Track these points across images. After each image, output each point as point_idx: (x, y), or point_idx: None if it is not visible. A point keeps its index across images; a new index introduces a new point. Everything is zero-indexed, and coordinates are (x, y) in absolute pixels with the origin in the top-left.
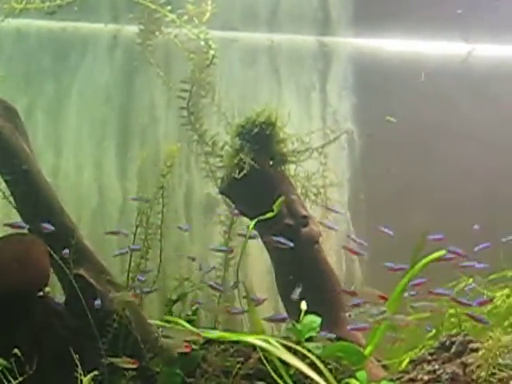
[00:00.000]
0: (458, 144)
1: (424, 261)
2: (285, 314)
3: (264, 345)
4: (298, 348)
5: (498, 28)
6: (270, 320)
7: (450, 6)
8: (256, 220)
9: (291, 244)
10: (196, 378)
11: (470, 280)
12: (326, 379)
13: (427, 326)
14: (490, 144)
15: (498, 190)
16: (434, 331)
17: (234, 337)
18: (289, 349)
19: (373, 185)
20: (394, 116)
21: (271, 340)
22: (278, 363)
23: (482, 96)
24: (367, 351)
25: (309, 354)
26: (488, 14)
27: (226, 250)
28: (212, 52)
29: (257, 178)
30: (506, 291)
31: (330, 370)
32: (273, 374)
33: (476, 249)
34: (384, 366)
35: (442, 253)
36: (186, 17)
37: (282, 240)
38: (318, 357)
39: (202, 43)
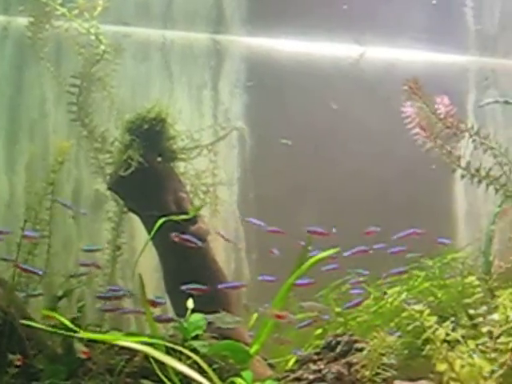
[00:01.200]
0: (348, 145)
1: (311, 260)
2: (170, 315)
3: (142, 347)
4: (180, 348)
5: (389, 31)
6: (156, 320)
7: (343, 9)
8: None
9: (199, 243)
10: (79, 377)
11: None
12: (209, 379)
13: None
14: (380, 146)
15: (389, 191)
16: (320, 331)
17: (114, 339)
18: (173, 349)
19: (263, 184)
20: (286, 115)
21: (156, 340)
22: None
23: (373, 98)
24: (253, 350)
25: (191, 354)
26: (380, 17)
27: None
28: (102, 47)
29: (145, 174)
30: (396, 289)
31: (216, 369)
32: (158, 372)
33: (374, 247)
34: (270, 365)
35: (331, 251)
36: (77, 10)
37: (191, 238)
38: (204, 355)
39: (93, 38)
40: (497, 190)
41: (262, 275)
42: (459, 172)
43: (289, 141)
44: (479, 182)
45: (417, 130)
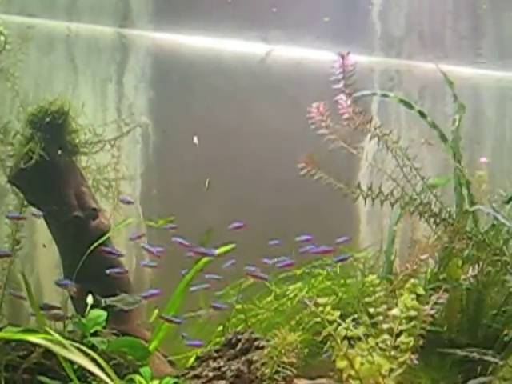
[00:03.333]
0: (253, 143)
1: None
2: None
3: (43, 342)
4: (77, 344)
5: (296, 30)
6: (49, 317)
7: (251, 6)
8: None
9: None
10: None
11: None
12: (107, 374)
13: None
14: (284, 145)
15: (292, 191)
16: (221, 327)
17: (14, 336)
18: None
19: (166, 180)
20: (192, 112)
21: (55, 335)
22: (61, 358)
23: (280, 96)
24: (152, 346)
25: (88, 350)
26: (287, 16)
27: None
28: (2, 37)
29: (46, 168)
30: (298, 285)
31: (114, 366)
32: (55, 368)
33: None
34: (171, 362)
35: (227, 248)
36: None
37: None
38: (102, 352)
39: None
40: (392, 205)
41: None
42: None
43: (196, 140)
44: (373, 200)
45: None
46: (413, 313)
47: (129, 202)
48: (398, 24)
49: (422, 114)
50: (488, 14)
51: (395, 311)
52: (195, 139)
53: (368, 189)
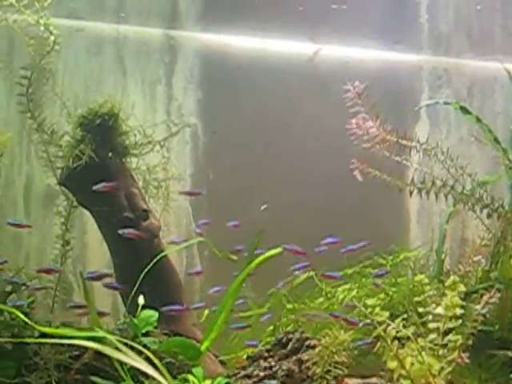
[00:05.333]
0: (301, 143)
1: (260, 258)
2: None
3: (93, 344)
4: (131, 343)
5: (344, 29)
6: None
7: (298, 5)
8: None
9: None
10: (27, 373)
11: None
12: (161, 373)
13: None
14: (333, 144)
15: (341, 190)
16: (272, 327)
17: (67, 333)
18: (125, 344)
19: (216, 181)
20: (240, 112)
21: (107, 335)
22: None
23: (327, 96)
24: (203, 347)
25: (143, 350)
26: (335, 15)
27: None
28: (52, 38)
29: (97, 169)
30: (347, 286)
31: (166, 365)
32: (107, 369)
33: (317, 249)
34: (221, 362)
35: (277, 250)
36: (26, 1)
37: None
38: (154, 352)
39: (42, 29)
40: (446, 197)
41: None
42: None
43: (265, 205)
44: (427, 192)
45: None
46: (458, 311)
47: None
48: (446, 21)
49: (479, 120)
50: None
51: (439, 309)
52: (263, 207)
53: (421, 182)
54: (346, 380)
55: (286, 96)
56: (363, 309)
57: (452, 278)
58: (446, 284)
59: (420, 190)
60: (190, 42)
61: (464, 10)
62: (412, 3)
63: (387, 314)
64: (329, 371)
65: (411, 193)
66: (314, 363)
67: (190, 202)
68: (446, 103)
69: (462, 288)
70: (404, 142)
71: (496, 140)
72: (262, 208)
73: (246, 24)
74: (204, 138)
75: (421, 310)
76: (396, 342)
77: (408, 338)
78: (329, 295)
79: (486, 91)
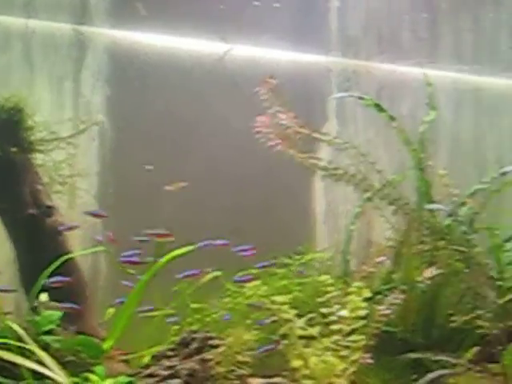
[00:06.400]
0: (210, 141)
1: (167, 257)
2: None
3: None
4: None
5: (254, 29)
6: None
7: (210, 5)
8: None
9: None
10: None
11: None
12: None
13: None
14: (241, 143)
15: (249, 190)
16: (177, 327)
17: None
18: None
19: (123, 178)
20: (149, 110)
21: (6, 337)
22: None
23: (237, 96)
24: (106, 345)
25: (38, 352)
26: (246, 15)
27: None
28: None
29: (0, 165)
30: (255, 284)
31: (68, 363)
32: (9, 366)
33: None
34: (125, 361)
35: (188, 249)
36: None
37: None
38: (56, 350)
39: None
40: (356, 186)
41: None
42: (319, 173)
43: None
44: (339, 180)
45: (273, 139)
46: (361, 313)
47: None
48: (355, 25)
49: (392, 118)
50: (445, 18)
51: (343, 312)
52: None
53: (334, 168)
54: (250, 380)
55: (196, 94)
56: (270, 306)
57: (356, 282)
58: (350, 288)
59: (332, 176)
60: (100, 38)
61: (374, 14)
62: (322, 6)
63: (293, 312)
64: (232, 371)
65: (323, 178)
66: (218, 363)
67: (97, 199)
68: (360, 98)
69: (366, 292)
70: (317, 136)
71: (407, 141)
72: (147, 168)
73: (156, 22)
74: (112, 134)
75: (324, 310)
76: (301, 341)
77: (313, 338)
78: (235, 294)
79: (394, 94)
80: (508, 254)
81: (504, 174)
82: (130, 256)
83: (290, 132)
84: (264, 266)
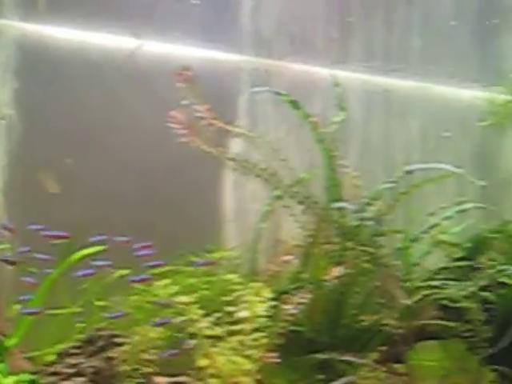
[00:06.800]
0: (120, 137)
1: (75, 256)
2: None
3: None
4: None
5: (166, 25)
6: None
7: (122, 0)
8: None
9: None
10: None
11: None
12: None
13: None
14: (151, 140)
15: (157, 187)
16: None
17: None
18: None
19: (31, 172)
20: (58, 104)
21: None
22: None
23: (147, 92)
24: (10, 343)
25: None
26: (157, 11)
27: None
28: None
29: None
30: (163, 283)
31: None
32: None
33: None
34: (30, 359)
35: (97, 248)
36: None
37: None
38: None
39: None
40: (266, 181)
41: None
42: (230, 166)
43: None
44: (248, 173)
45: (184, 131)
46: (262, 312)
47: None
48: (268, 24)
49: (306, 116)
50: (357, 19)
51: (243, 313)
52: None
53: (244, 160)
54: (155, 378)
55: (107, 90)
56: (177, 305)
57: (263, 281)
58: (252, 287)
59: (242, 169)
60: (9, 31)
61: (287, 14)
62: (235, 4)
63: (201, 311)
64: (137, 369)
65: (233, 171)
66: (123, 361)
67: (2, 192)
68: (278, 93)
69: (267, 292)
70: (230, 128)
71: (319, 139)
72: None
73: (67, 16)
74: (20, 128)
75: (230, 309)
76: (208, 340)
77: (219, 337)
78: (143, 293)
79: (305, 95)
80: (415, 255)
81: (408, 172)
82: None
83: (202, 124)
84: (156, 266)
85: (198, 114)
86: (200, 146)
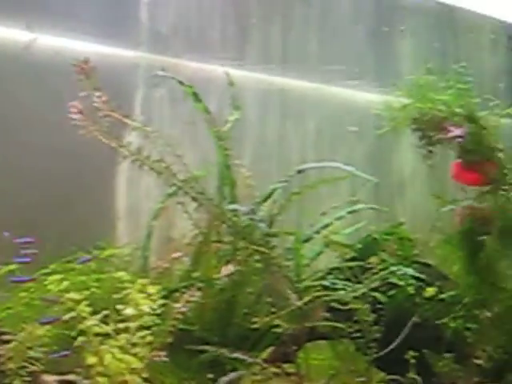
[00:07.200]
0: (12, 134)
1: None
2: None
3: None
4: None
5: (60, 20)
6: None
7: None
8: None
9: None
10: None
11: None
12: None
13: None
14: (46, 136)
15: (49, 185)
16: None
17: None
18: None
19: None
20: None
21: None
22: None
23: (43, 86)
24: None
25: None
26: (52, 4)
27: None
28: None
29: None
30: (52, 279)
31: None
32: None
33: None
34: None
35: None
36: None
37: None
38: None
39: None
40: (160, 175)
41: None
42: (125, 156)
43: None
44: (142, 164)
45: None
46: (146, 310)
47: None
48: (165, 21)
49: (207, 111)
50: (255, 17)
51: (129, 310)
52: None
53: (138, 152)
54: (43, 376)
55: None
56: (66, 302)
57: (153, 278)
58: (137, 285)
59: (136, 161)
60: None
61: (185, 12)
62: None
63: (89, 309)
64: (24, 367)
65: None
66: (9, 358)
67: None
68: (180, 83)
69: (155, 290)
70: (127, 120)
71: (217, 135)
72: None
73: None
74: None
75: (119, 307)
76: (97, 338)
77: (108, 335)
78: (32, 289)
79: (201, 92)
80: (307, 256)
81: (300, 171)
82: None
83: (99, 115)
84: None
85: (95, 105)
86: (97, 136)
